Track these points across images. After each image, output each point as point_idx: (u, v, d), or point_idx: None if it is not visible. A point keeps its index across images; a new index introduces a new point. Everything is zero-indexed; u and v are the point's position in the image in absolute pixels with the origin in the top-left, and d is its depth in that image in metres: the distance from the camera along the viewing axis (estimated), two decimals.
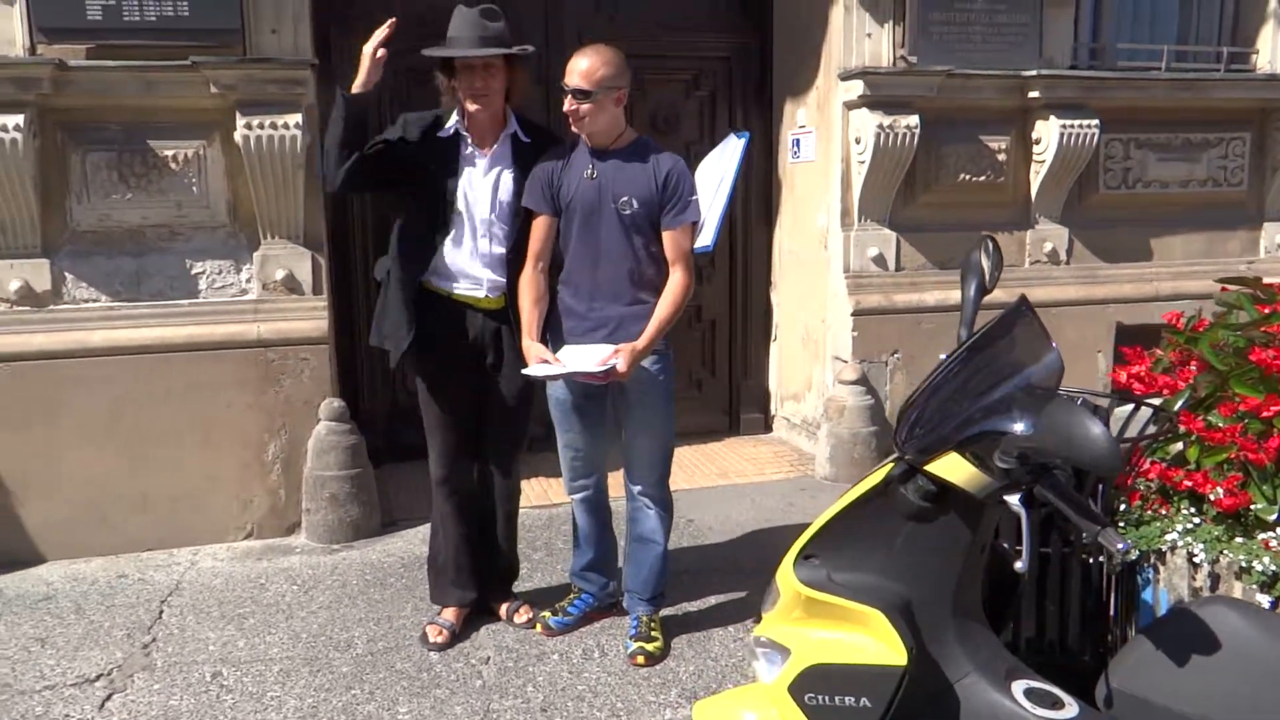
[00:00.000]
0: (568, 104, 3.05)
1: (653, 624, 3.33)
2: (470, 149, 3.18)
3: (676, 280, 3.11)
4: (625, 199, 3.07)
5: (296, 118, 4.05)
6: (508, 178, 3.19)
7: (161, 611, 3.62)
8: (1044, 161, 5.14)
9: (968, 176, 5.10)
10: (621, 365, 2.98)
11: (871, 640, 1.76)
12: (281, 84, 4.06)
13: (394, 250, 3.26)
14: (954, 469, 1.71)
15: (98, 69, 3.94)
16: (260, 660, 3.26)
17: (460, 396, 3.32)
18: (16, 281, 4.00)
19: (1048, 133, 5.08)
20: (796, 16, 5.28)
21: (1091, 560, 2.47)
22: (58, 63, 3.85)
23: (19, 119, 3.80)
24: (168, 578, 3.91)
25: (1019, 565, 1.66)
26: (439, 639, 3.32)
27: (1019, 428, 1.60)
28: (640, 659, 3.21)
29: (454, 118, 3.18)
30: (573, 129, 3.13)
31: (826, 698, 1.78)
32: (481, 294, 3.24)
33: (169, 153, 4.09)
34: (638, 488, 3.30)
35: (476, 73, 3.06)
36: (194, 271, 4.21)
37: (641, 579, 3.35)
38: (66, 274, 4.08)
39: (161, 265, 4.17)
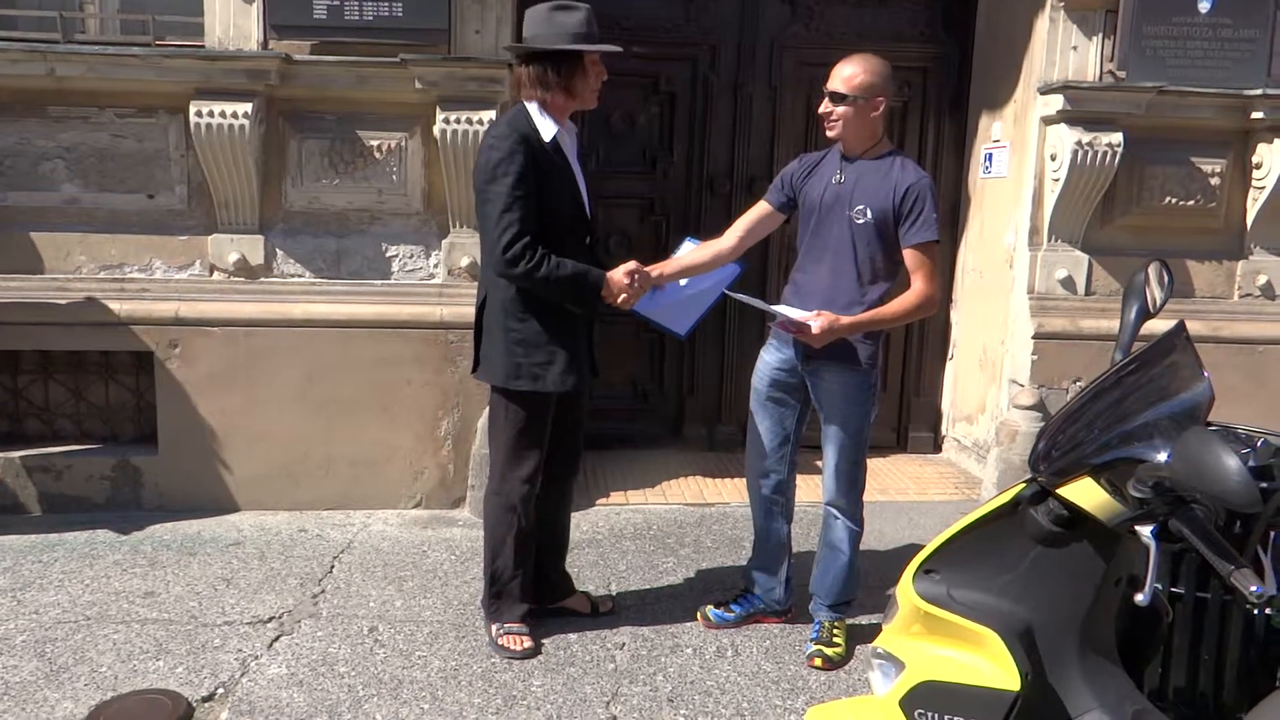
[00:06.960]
0: (823, 106, 3.12)
1: (835, 629, 3.32)
2: (567, 149, 3.11)
3: (915, 288, 3.07)
4: (861, 207, 3.08)
5: (491, 114, 4.24)
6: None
7: (333, 566, 3.89)
8: (1264, 188, 4.76)
9: (1174, 200, 4.78)
10: (816, 328, 2.97)
11: (986, 662, 1.71)
12: (480, 81, 4.27)
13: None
14: (1086, 494, 1.63)
15: (318, 63, 4.28)
16: (413, 621, 3.45)
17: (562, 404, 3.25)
18: (235, 254, 4.40)
19: (1271, 157, 4.70)
20: (999, 28, 5.10)
21: (1257, 611, 2.28)
22: (284, 57, 4.20)
23: (248, 107, 4.17)
24: (342, 536, 4.21)
25: (1139, 598, 1.57)
26: (527, 645, 3.22)
27: (1156, 456, 1.51)
28: (817, 661, 3.21)
29: (547, 123, 3.04)
30: (825, 133, 3.19)
31: (936, 715, 1.74)
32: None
33: (374, 143, 4.39)
34: (827, 496, 3.29)
35: (601, 66, 3.12)
36: (388, 254, 4.50)
37: (825, 584, 3.34)
38: (277, 250, 4.44)
39: (360, 246, 4.48)
